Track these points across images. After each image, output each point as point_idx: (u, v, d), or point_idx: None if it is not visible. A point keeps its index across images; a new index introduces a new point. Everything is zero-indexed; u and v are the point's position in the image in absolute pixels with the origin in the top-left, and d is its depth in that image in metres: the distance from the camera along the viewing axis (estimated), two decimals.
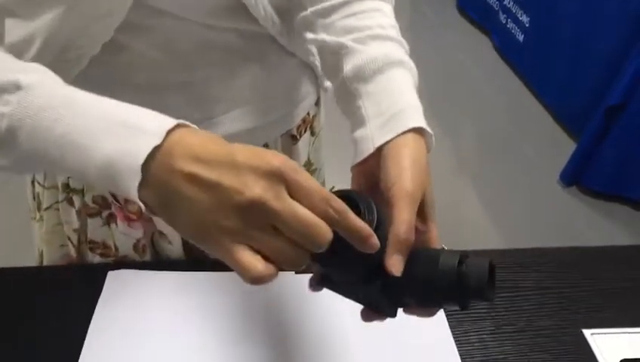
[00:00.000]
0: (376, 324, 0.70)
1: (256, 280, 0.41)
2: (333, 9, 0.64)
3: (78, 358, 0.65)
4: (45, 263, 0.86)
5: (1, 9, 0.55)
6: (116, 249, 0.81)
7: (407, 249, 0.49)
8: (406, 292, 0.50)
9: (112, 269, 0.75)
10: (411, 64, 0.62)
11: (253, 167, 0.41)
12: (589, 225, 2.24)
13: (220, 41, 0.66)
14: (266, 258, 0.42)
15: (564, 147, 2.50)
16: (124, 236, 0.79)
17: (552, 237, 2.09)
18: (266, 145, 0.79)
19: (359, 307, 0.74)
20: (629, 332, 0.72)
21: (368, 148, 0.56)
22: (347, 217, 0.43)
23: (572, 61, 2.57)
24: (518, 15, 3.01)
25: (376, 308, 0.53)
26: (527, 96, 2.95)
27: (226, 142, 0.43)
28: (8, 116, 0.44)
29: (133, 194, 0.42)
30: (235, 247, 0.41)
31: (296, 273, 0.76)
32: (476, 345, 0.70)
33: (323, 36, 0.64)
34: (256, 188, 0.40)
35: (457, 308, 0.49)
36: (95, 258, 0.82)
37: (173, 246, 0.81)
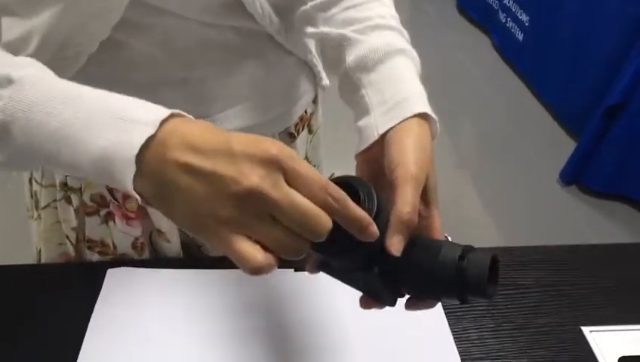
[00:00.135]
0: (375, 322, 0.71)
1: (256, 270, 0.40)
2: (332, 2, 0.64)
3: (77, 355, 0.65)
4: (43, 262, 0.86)
5: None
6: (114, 247, 0.81)
7: (409, 230, 0.48)
8: (404, 282, 0.50)
9: (112, 267, 0.75)
10: (413, 53, 0.62)
11: (250, 155, 0.40)
12: (589, 224, 2.24)
13: (217, 39, 0.66)
14: (265, 248, 0.41)
15: (564, 146, 2.50)
16: (122, 234, 0.79)
17: (551, 237, 2.09)
18: None
19: (358, 304, 0.74)
20: (628, 330, 0.72)
21: (372, 135, 0.56)
22: (346, 206, 0.42)
23: (572, 60, 2.58)
24: (518, 14, 3.01)
25: (375, 296, 0.52)
26: (526, 95, 2.95)
27: (222, 131, 0.43)
28: (1, 110, 0.44)
29: (129, 186, 0.41)
30: (234, 237, 0.40)
31: (296, 270, 0.76)
32: (475, 342, 0.70)
33: (324, 29, 0.64)
34: (253, 177, 0.39)
35: (456, 301, 0.48)
36: (94, 256, 0.82)
37: (172, 244, 0.81)
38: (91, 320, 0.69)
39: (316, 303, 0.73)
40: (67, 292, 0.74)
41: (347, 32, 0.62)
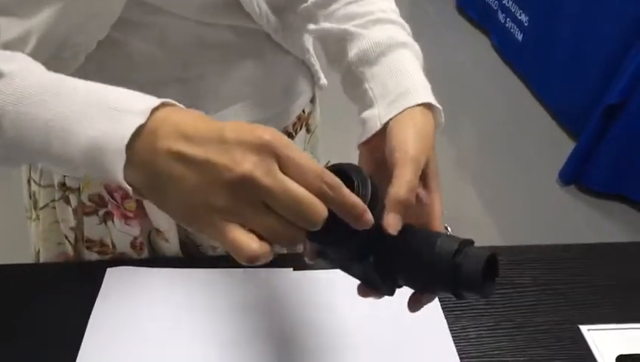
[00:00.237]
0: (374, 321, 0.71)
1: (251, 259, 0.40)
2: None
3: (76, 354, 0.66)
4: (42, 262, 0.86)
5: None
6: (114, 246, 0.81)
7: (406, 211, 0.48)
8: (400, 272, 0.49)
9: (111, 266, 0.75)
10: (415, 46, 0.63)
11: (243, 141, 0.39)
12: (588, 223, 2.24)
13: (215, 38, 0.66)
14: (260, 237, 0.40)
15: (563, 146, 2.50)
16: (121, 234, 0.79)
17: (550, 236, 2.09)
18: None
19: (357, 304, 0.74)
20: (626, 329, 0.72)
21: (375, 126, 0.56)
22: (341, 193, 0.41)
23: (571, 60, 2.58)
24: (517, 14, 3.02)
25: (373, 285, 0.51)
26: (526, 95, 2.95)
27: (214, 120, 0.42)
28: None
29: (119, 176, 0.41)
30: (228, 226, 0.40)
31: (295, 270, 0.77)
32: (473, 341, 0.70)
33: (325, 25, 0.65)
34: (246, 164, 0.39)
35: (451, 296, 0.47)
36: (92, 256, 0.82)
37: (170, 243, 0.81)
38: (91, 319, 0.69)
39: (315, 302, 0.73)
40: (66, 292, 0.74)
41: (349, 26, 0.62)
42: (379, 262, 0.48)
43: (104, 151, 0.41)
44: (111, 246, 0.81)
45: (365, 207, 0.43)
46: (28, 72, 0.45)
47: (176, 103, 0.44)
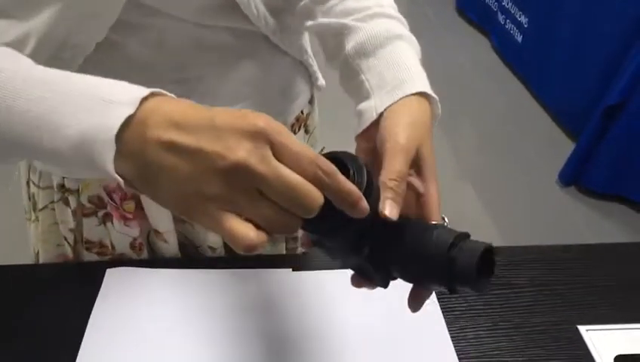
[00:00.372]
0: (373, 322, 0.71)
1: (249, 248, 0.39)
2: None
3: (76, 355, 0.66)
4: (41, 263, 0.86)
5: None
6: (113, 247, 0.81)
7: (399, 197, 0.48)
8: (394, 265, 0.49)
9: (110, 267, 0.76)
10: (413, 38, 0.63)
11: (236, 128, 0.39)
12: (588, 224, 2.24)
13: (213, 39, 0.67)
14: (256, 225, 0.40)
15: (563, 147, 2.50)
16: (120, 235, 0.79)
17: (550, 237, 2.09)
18: None
19: (355, 304, 0.74)
20: (624, 329, 0.72)
21: (371, 116, 0.56)
22: (337, 179, 0.40)
23: (571, 61, 2.58)
24: (517, 16, 3.02)
25: (367, 276, 0.51)
26: (525, 96, 2.95)
27: (205, 107, 0.41)
28: None
29: (109, 168, 0.40)
30: (224, 216, 0.39)
31: (294, 270, 0.77)
32: (472, 341, 0.70)
33: (323, 20, 0.65)
34: (239, 151, 0.38)
35: (446, 290, 0.47)
36: (92, 257, 0.82)
37: (169, 244, 0.81)
38: (90, 319, 0.69)
39: (314, 303, 0.73)
40: (66, 292, 0.74)
41: (347, 21, 0.63)
42: (373, 252, 0.48)
43: (93, 143, 0.40)
44: (110, 248, 0.81)
45: (361, 194, 0.42)
46: (15, 67, 0.45)
47: (167, 93, 0.43)
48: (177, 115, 0.40)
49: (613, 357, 0.69)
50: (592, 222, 2.25)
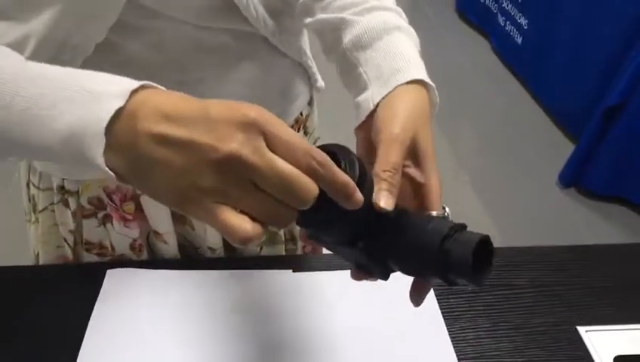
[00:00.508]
0: (372, 322, 0.71)
1: (244, 240, 0.39)
2: None
3: (77, 356, 0.66)
4: (41, 264, 0.86)
5: None
6: (113, 248, 0.81)
7: (394, 188, 0.47)
8: (391, 257, 0.48)
9: (110, 268, 0.76)
10: (411, 30, 0.62)
11: (228, 120, 0.38)
12: (588, 226, 2.24)
13: (212, 41, 0.67)
14: (252, 217, 0.39)
15: (563, 148, 2.50)
16: (120, 236, 0.80)
17: (550, 238, 2.09)
18: None
19: (355, 305, 0.74)
20: (624, 329, 0.72)
21: (368, 107, 0.56)
22: (331, 171, 0.40)
23: (570, 63, 2.58)
24: (517, 18, 3.02)
25: (365, 269, 0.51)
26: (525, 97, 2.96)
27: (197, 99, 0.41)
28: None
29: (100, 162, 0.40)
30: (219, 209, 0.39)
31: (294, 271, 0.77)
32: (472, 342, 0.70)
33: (321, 16, 0.64)
34: (232, 143, 0.37)
35: (443, 282, 0.46)
36: (91, 258, 0.82)
37: (169, 245, 0.81)
38: (91, 320, 0.70)
39: (314, 303, 0.73)
40: (66, 293, 0.74)
41: (344, 15, 0.62)
42: (370, 245, 0.47)
43: (83, 137, 0.40)
44: (110, 249, 0.81)
45: (355, 185, 0.41)
46: (3, 62, 0.44)
47: (157, 86, 0.42)
48: (168, 107, 0.40)
49: (613, 357, 0.69)
50: (592, 224, 2.25)
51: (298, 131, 0.85)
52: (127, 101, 0.40)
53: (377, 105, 0.55)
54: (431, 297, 0.74)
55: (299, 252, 0.94)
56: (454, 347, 0.69)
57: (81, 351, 0.66)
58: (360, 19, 0.61)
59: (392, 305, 0.73)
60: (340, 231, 0.46)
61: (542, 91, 2.85)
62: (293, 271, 0.77)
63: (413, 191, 0.53)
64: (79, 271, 0.81)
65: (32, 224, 0.85)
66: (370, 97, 0.56)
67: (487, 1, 3.39)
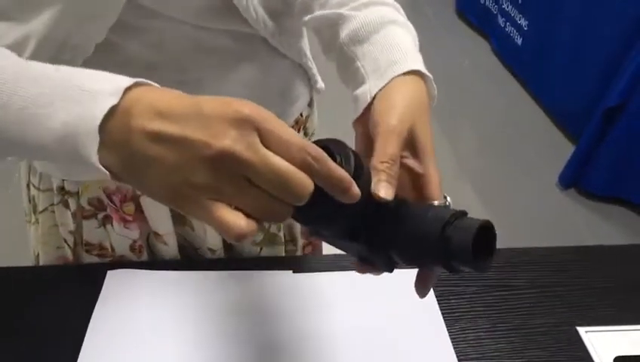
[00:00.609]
0: (372, 322, 0.71)
1: (239, 237, 0.39)
2: None
3: (77, 357, 0.66)
4: (42, 265, 0.86)
5: None
6: (113, 249, 0.81)
7: (392, 179, 0.47)
8: (392, 248, 0.48)
9: (111, 269, 0.76)
10: (408, 24, 0.62)
11: (221, 116, 0.38)
12: (588, 227, 2.24)
13: (212, 42, 0.67)
14: (246, 214, 0.39)
15: (563, 149, 2.50)
16: (120, 237, 0.80)
17: (550, 239, 2.08)
18: None
19: (356, 306, 0.74)
20: (623, 330, 0.72)
21: (366, 100, 0.55)
22: (327, 165, 0.40)
23: (570, 64, 2.58)
24: (517, 19, 3.02)
25: (369, 262, 0.50)
26: (525, 98, 2.96)
27: (191, 96, 0.41)
28: None
29: (94, 159, 0.40)
30: (213, 205, 0.39)
31: (294, 272, 0.77)
32: (472, 342, 0.70)
33: (320, 13, 0.64)
34: (225, 139, 0.37)
35: (446, 270, 0.45)
36: (91, 259, 0.82)
37: (169, 246, 0.81)
38: (91, 321, 0.70)
39: (315, 304, 0.73)
40: (67, 294, 0.74)
41: (342, 10, 0.62)
42: (371, 237, 0.47)
43: (77, 136, 0.40)
44: (110, 250, 0.81)
45: (351, 179, 0.41)
46: (3, 62, 0.44)
47: (151, 83, 0.42)
48: (162, 104, 0.40)
49: (613, 358, 0.69)
50: (592, 224, 2.25)
51: (298, 132, 0.85)
52: (122, 98, 0.40)
53: (374, 98, 0.55)
54: (431, 298, 0.75)
55: (299, 253, 0.94)
56: (454, 348, 0.69)
57: (81, 352, 0.66)
58: (357, 14, 0.61)
59: (392, 306, 0.73)
60: (339, 226, 0.46)
61: (542, 92, 2.86)
62: (294, 272, 0.77)
63: (413, 182, 0.52)
64: (79, 271, 0.81)
65: (32, 225, 0.85)
66: (368, 90, 0.56)
67: (487, 2, 3.39)
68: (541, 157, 2.58)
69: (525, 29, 2.95)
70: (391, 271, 0.50)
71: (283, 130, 0.39)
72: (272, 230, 0.85)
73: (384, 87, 0.55)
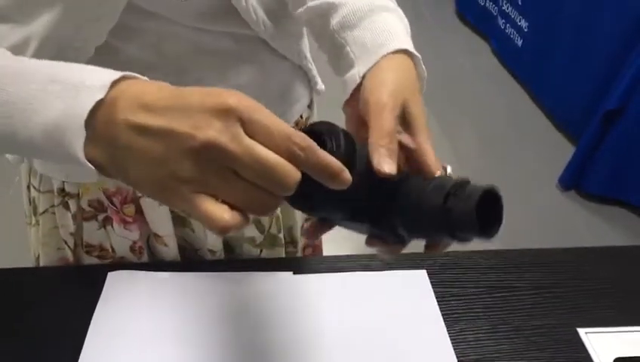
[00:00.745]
0: (372, 324, 0.71)
1: (224, 230, 0.38)
2: None
3: (78, 357, 0.66)
4: (42, 266, 0.86)
5: None
6: (113, 251, 0.81)
7: (393, 153, 0.47)
8: (397, 224, 0.47)
9: (111, 270, 0.76)
10: (398, 11, 0.62)
11: (206, 107, 0.37)
12: (588, 228, 2.24)
13: (212, 44, 0.67)
14: (233, 207, 0.39)
15: (563, 151, 2.50)
16: (120, 238, 0.80)
17: (550, 241, 2.09)
18: None
19: (356, 307, 0.75)
20: (624, 331, 0.72)
21: (355, 81, 0.55)
22: (313, 154, 0.39)
23: (571, 65, 2.58)
24: (517, 20, 3.03)
25: (380, 238, 0.49)
26: (525, 100, 2.96)
27: (177, 88, 0.40)
28: None
29: (80, 155, 0.39)
30: (198, 198, 0.38)
31: (294, 273, 0.77)
32: (472, 343, 0.70)
33: (311, 3, 0.64)
34: (209, 130, 0.37)
35: (454, 241, 0.45)
36: (92, 260, 0.82)
37: (169, 248, 0.81)
38: (92, 322, 0.70)
39: (315, 305, 0.73)
40: (67, 295, 0.74)
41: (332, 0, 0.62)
42: (376, 215, 0.46)
43: (64, 131, 0.40)
44: (110, 251, 0.81)
45: (341, 165, 0.40)
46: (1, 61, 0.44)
47: (140, 76, 0.42)
48: (147, 96, 0.39)
49: (613, 359, 0.69)
50: (591, 226, 2.25)
51: None
52: (108, 92, 0.40)
53: (364, 78, 0.55)
54: (431, 299, 0.75)
55: (299, 254, 0.94)
56: (454, 349, 0.69)
57: (82, 353, 0.66)
58: (347, 2, 0.61)
59: (392, 308, 0.73)
60: (341, 208, 0.46)
61: (542, 94, 2.86)
62: (294, 274, 0.77)
63: (407, 158, 0.52)
64: (79, 273, 0.81)
65: (33, 226, 0.85)
66: (357, 72, 0.56)
67: (487, 4, 3.39)
68: (541, 159, 2.58)
69: (525, 30, 2.95)
70: (403, 244, 0.49)
71: (269, 119, 0.38)
72: (272, 231, 0.85)
73: (373, 66, 0.55)
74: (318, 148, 0.39)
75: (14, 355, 0.67)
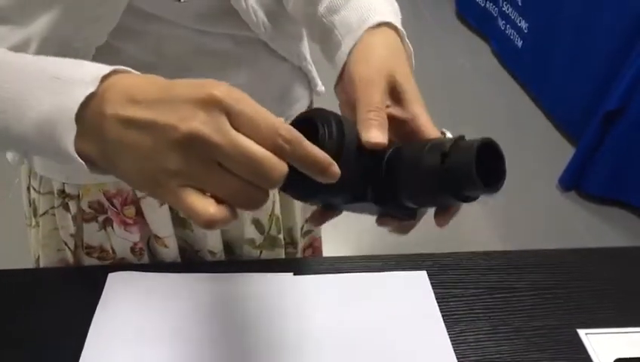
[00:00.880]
0: (372, 325, 0.71)
1: (209, 224, 0.38)
2: None
3: (78, 358, 0.66)
4: (42, 267, 0.86)
5: None
6: (113, 252, 0.81)
7: (381, 124, 0.46)
8: (402, 196, 0.46)
9: (112, 271, 0.76)
10: None
11: (191, 99, 0.37)
12: (588, 229, 2.24)
13: (212, 45, 0.67)
14: (221, 201, 0.38)
15: (563, 151, 2.50)
16: (120, 240, 0.80)
17: (551, 242, 2.09)
18: None
19: (357, 308, 0.75)
20: (624, 332, 0.72)
21: (342, 60, 0.55)
22: (300, 147, 0.38)
23: (571, 66, 2.58)
24: (517, 21, 3.03)
25: (390, 215, 0.48)
26: (525, 101, 2.96)
27: (166, 81, 0.40)
28: None
29: (70, 149, 0.39)
30: (184, 191, 0.38)
31: (295, 274, 0.77)
32: (472, 344, 0.70)
33: None
34: (192, 122, 0.36)
35: (460, 202, 0.44)
36: (92, 262, 0.82)
37: (170, 249, 0.81)
38: (92, 323, 0.69)
39: (315, 307, 0.73)
40: (68, 296, 0.74)
41: None
42: (378, 192, 0.45)
43: (55, 125, 0.40)
44: (111, 252, 0.81)
45: (329, 159, 0.39)
46: None
47: (131, 70, 0.42)
48: (136, 89, 0.39)
49: (613, 360, 0.69)
50: (592, 227, 2.25)
51: None
52: (98, 86, 0.40)
53: (350, 55, 0.54)
54: (431, 300, 0.75)
55: (299, 255, 0.94)
56: (455, 350, 0.69)
57: (83, 354, 0.66)
58: None
59: (392, 309, 0.73)
60: (341, 193, 0.45)
61: (542, 95, 2.86)
62: (294, 275, 0.77)
63: (402, 130, 0.51)
64: (80, 274, 0.81)
65: (33, 228, 0.85)
66: (343, 51, 0.55)
67: (487, 5, 3.40)
68: (541, 160, 2.58)
69: (525, 31, 2.95)
70: (413, 218, 0.49)
71: (255, 111, 0.38)
72: (272, 233, 0.85)
73: (357, 42, 0.54)
74: (305, 140, 0.39)
75: (15, 357, 0.67)
